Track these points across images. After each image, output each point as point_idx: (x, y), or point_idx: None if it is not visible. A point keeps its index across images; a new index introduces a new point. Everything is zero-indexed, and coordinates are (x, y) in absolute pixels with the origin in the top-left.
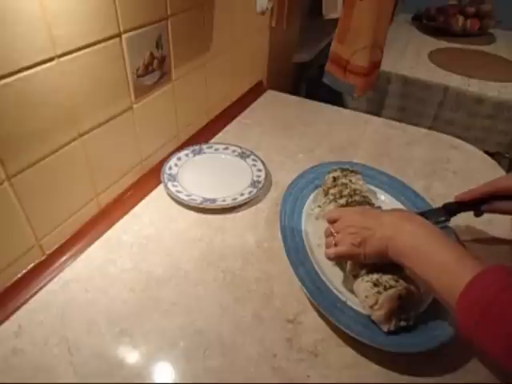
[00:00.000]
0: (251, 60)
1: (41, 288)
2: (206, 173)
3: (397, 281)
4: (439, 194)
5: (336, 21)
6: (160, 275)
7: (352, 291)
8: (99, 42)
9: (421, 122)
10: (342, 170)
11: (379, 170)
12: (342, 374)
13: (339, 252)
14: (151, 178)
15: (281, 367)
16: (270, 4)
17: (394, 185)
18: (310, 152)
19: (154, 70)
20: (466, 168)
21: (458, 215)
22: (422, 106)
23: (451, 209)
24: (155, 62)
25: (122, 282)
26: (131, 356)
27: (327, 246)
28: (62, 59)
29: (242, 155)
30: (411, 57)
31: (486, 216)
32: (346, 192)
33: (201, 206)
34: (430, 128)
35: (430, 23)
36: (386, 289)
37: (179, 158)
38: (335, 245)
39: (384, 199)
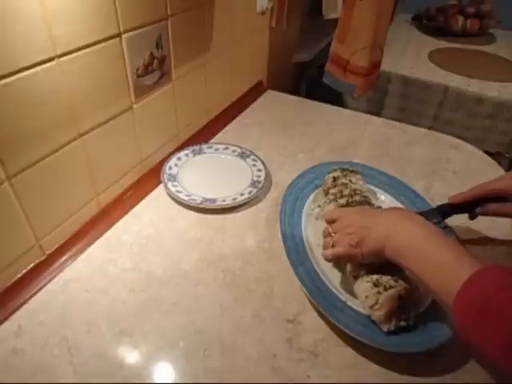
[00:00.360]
0: (251, 60)
1: (41, 288)
2: (206, 173)
3: (397, 281)
4: (439, 194)
5: (336, 21)
6: (160, 275)
7: (352, 291)
8: (99, 42)
9: (421, 122)
10: (342, 170)
11: (379, 170)
12: (342, 373)
13: (336, 253)
14: (151, 177)
15: (281, 367)
16: (270, 4)
17: (394, 185)
18: (310, 152)
19: (153, 70)
20: (466, 168)
21: (457, 216)
22: (422, 105)
23: (444, 211)
24: (155, 62)
25: (122, 282)
26: (131, 356)
27: (325, 247)
28: (61, 59)
29: (242, 155)
30: (411, 57)
31: (487, 218)
32: (346, 192)
33: (201, 206)
34: (430, 128)
35: (430, 23)
36: (386, 289)
37: (179, 158)
38: (333, 246)
39: (384, 199)
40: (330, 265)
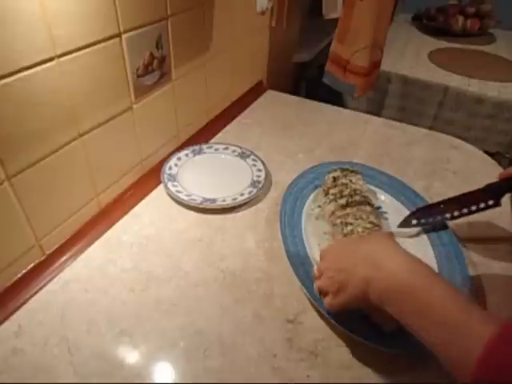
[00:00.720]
0: (251, 60)
1: (41, 288)
2: (206, 173)
3: None
4: (439, 194)
5: (336, 21)
6: (160, 275)
7: None
8: (99, 42)
9: (421, 122)
10: (342, 170)
11: (379, 170)
12: (342, 374)
13: (327, 306)
14: (151, 178)
15: (281, 367)
16: (270, 4)
17: (394, 185)
18: (310, 152)
19: (153, 70)
20: (466, 168)
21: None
22: (422, 105)
23: (496, 190)
24: (155, 62)
25: (122, 282)
26: (131, 356)
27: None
28: (61, 59)
29: (242, 155)
30: (411, 57)
31: (486, 214)
32: (346, 192)
33: (201, 206)
34: (430, 128)
35: (430, 23)
36: None
37: (179, 158)
38: (320, 293)
39: (384, 199)
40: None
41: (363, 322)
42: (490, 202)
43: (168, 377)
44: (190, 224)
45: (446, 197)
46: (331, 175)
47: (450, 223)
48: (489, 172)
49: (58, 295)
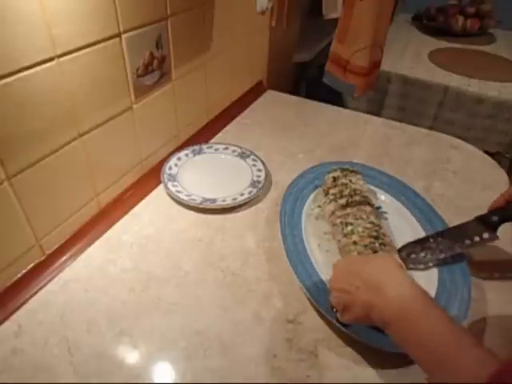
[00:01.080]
0: (251, 60)
1: (41, 288)
2: (205, 173)
3: None
4: (439, 194)
5: (336, 21)
6: (160, 275)
7: None
8: (99, 41)
9: (421, 122)
10: (342, 169)
11: (379, 169)
12: (342, 373)
13: (342, 319)
14: (151, 178)
15: (281, 367)
16: (270, 4)
17: (394, 185)
18: (310, 152)
19: (153, 69)
20: (466, 168)
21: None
22: (422, 106)
23: (490, 220)
24: (155, 61)
25: (122, 282)
26: (131, 356)
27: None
28: (61, 59)
29: (242, 155)
30: (411, 57)
31: None
32: (346, 192)
33: (201, 206)
34: (430, 128)
35: (430, 23)
36: None
37: (179, 158)
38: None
39: (384, 199)
40: (330, 265)
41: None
42: (485, 236)
43: (168, 377)
44: (190, 224)
45: (446, 197)
46: (331, 175)
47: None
48: (489, 172)
49: (58, 295)
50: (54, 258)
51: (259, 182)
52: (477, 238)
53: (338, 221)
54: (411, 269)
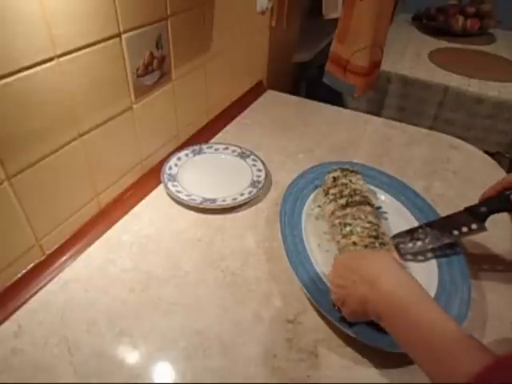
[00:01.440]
0: (251, 60)
1: (41, 288)
2: (205, 173)
3: None
4: (439, 194)
5: (336, 21)
6: (160, 275)
7: None
8: (99, 41)
9: (421, 122)
10: (342, 169)
11: (379, 169)
12: (342, 374)
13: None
14: (151, 178)
15: (281, 367)
16: (270, 4)
17: (394, 185)
18: (310, 152)
19: (153, 69)
20: (466, 168)
21: None
22: (422, 106)
23: (478, 212)
24: (155, 61)
25: (122, 282)
26: (131, 356)
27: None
28: (61, 59)
29: (242, 155)
30: (411, 57)
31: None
32: (346, 192)
33: (201, 206)
34: (430, 128)
35: (430, 23)
36: None
37: (179, 158)
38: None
39: (384, 199)
40: (330, 265)
41: (363, 321)
42: (474, 226)
43: (168, 377)
44: (190, 224)
45: (446, 197)
46: (331, 175)
47: None
48: (489, 172)
49: (58, 295)
50: (54, 258)
51: (259, 182)
52: (465, 229)
53: (337, 221)
54: (406, 260)
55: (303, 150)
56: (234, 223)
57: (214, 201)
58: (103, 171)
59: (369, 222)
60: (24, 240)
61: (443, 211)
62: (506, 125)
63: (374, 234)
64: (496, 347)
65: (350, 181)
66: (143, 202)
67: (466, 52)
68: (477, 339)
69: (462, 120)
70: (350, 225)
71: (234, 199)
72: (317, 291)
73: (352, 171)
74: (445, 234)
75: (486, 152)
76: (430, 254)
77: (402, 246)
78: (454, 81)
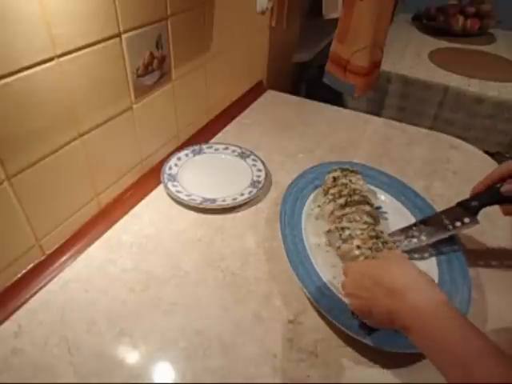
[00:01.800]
0: (251, 60)
1: (41, 288)
2: (205, 173)
3: None
4: (439, 194)
5: (336, 21)
6: (160, 275)
7: None
8: (99, 41)
9: (421, 122)
10: (342, 169)
11: (379, 169)
12: (342, 373)
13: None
14: (151, 177)
15: (281, 367)
16: (270, 4)
17: (394, 185)
18: (310, 152)
19: (153, 69)
20: (466, 168)
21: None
22: (422, 105)
23: (470, 206)
24: (155, 61)
25: (122, 282)
26: (131, 356)
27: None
28: (61, 59)
29: (242, 155)
30: (411, 57)
31: (487, 216)
32: (345, 192)
33: (201, 206)
34: (430, 128)
35: (430, 23)
36: None
37: (179, 158)
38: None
39: (384, 199)
40: (329, 265)
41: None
42: (466, 220)
43: (168, 377)
44: (190, 224)
45: (446, 197)
46: (331, 175)
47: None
48: (489, 172)
49: (58, 295)
50: (54, 258)
51: (259, 182)
52: (458, 223)
53: (333, 226)
54: None
55: (303, 150)
56: (233, 223)
57: (214, 201)
58: (103, 171)
59: (365, 223)
60: (24, 240)
61: None
62: (506, 125)
63: (373, 234)
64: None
65: (350, 181)
66: (143, 201)
67: (466, 52)
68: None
69: (462, 120)
70: (348, 228)
71: (234, 199)
72: (317, 291)
73: (352, 171)
74: (439, 229)
75: (486, 152)
76: (427, 254)
77: (397, 244)
78: (454, 81)
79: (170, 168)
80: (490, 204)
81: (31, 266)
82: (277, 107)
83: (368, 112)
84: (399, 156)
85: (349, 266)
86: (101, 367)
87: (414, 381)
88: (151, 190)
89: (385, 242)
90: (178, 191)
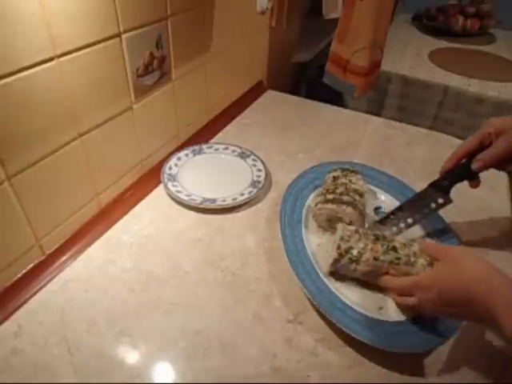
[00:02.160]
0: (251, 60)
1: (41, 288)
2: (205, 173)
3: None
4: None
5: (336, 21)
6: (160, 275)
7: None
8: (99, 41)
9: (421, 122)
10: (342, 169)
11: (379, 169)
12: (342, 374)
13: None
14: (151, 177)
15: (281, 367)
16: (270, 4)
17: (394, 185)
18: (310, 152)
19: (153, 69)
20: None
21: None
22: (422, 105)
23: (442, 185)
24: (155, 61)
25: (122, 282)
26: (131, 356)
27: (402, 301)
28: (61, 59)
29: (242, 155)
30: (411, 57)
31: (484, 208)
32: (338, 190)
33: (201, 206)
34: (430, 128)
35: (430, 23)
36: None
37: (179, 158)
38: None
39: (384, 199)
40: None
41: (363, 321)
42: (440, 201)
43: (168, 377)
44: (190, 224)
45: None
46: (331, 175)
47: (448, 220)
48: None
49: (58, 295)
50: (54, 258)
51: (259, 182)
52: (433, 205)
53: (336, 254)
54: None
55: (303, 150)
56: (234, 223)
57: (214, 201)
58: (103, 171)
59: (356, 232)
60: (24, 240)
61: (443, 211)
62: None
63: (372, 237)
64: (496, 346)
65: (350, 181)
66: (143, 202)
67: (466, 52)
68: None
69: (462, 120)
70: (352, 248)
71: (234, 199)
72: (317, 291)
73: (352, 171)
74: (416, 213)
75: None
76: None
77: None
78: (454, 81)
79: (170, 168)
80: (461, 181)
81: (31, 265)
82: (277, 107)
83: (368, 112)
84: (399, 156)
85: (415, 283)
86: (101, 367)
87: (414, 381)
88: (151, 190)
89: (385, 238)
90: (178, 191)
